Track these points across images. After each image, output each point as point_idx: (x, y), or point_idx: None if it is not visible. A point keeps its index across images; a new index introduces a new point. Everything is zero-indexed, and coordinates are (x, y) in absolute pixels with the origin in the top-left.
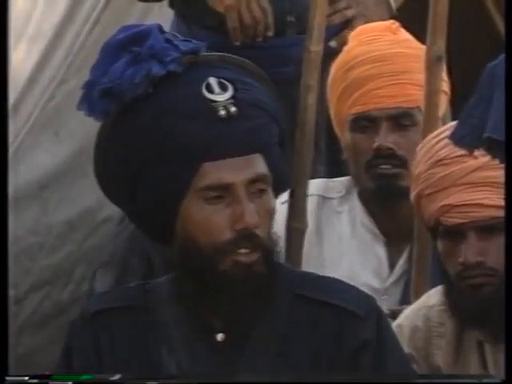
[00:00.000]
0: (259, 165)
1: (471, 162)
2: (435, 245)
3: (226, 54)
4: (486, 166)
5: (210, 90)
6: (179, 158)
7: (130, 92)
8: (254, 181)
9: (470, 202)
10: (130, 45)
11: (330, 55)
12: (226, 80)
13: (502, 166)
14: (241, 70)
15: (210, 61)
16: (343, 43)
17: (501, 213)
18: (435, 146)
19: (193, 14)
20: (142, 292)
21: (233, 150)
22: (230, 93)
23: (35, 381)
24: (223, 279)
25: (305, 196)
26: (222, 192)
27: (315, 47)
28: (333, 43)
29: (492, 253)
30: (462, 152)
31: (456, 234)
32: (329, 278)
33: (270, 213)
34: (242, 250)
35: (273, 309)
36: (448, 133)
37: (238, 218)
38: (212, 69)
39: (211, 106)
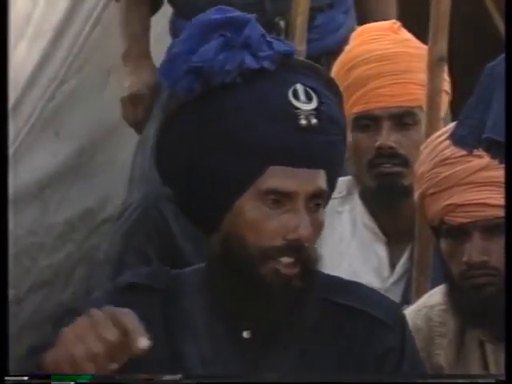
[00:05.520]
0: (322, 180)
1: (476, 162)
2: (438, 244)
3: (313, 63)
4: (490, 165)
5: (296, 96)
6: (248, 155)
7: (220, 78)
8: (315, 195)
9: (475, 202)
10: (223, 28)
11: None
12: (312, 90)
13: (503, 166)
14: (324, 82)
15: (299, 66)
16: None
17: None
18: (439, 145)
19: (193, 14)
20: (170, 278)
21: (304, 161)
22: (314, 104)
23: (35, 381)
24: (260, 283)
25: None
26: (283, 198)
27: (298, 46)
28: None
29: (496, 252)
30: None
31: (460, 233)
32: (355, 283)
33: (320, 228)
34: (286, 259)
35: (302, 312)
36: None
37: (293, 228)
38: (300, 75)
39: (294, 112)
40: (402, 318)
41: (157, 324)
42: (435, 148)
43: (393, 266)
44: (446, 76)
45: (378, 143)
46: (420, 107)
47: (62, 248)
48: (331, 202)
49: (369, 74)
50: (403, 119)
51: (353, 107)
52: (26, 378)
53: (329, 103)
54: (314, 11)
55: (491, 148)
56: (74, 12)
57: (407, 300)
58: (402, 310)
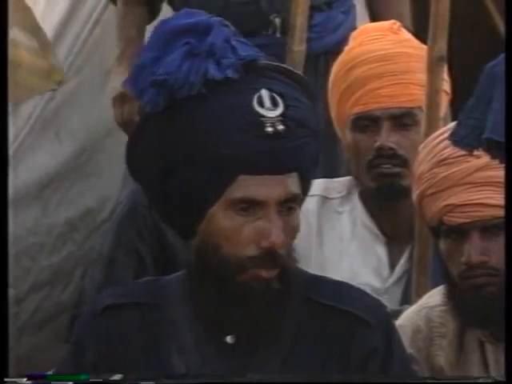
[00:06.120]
0: (293, 184)
1: (474, 162)
2: (437, 244)
3: (280, 64)
4: (489, 165)
5: (260, 103)
6: (217, 166)
7: (185, 90)
8: (287, 200)
9: (473, 202)
10: (186, 33)
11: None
12: (278, 94)
13: (503, 166)
14: (292, 83)
15: (266, 69)
16: None
17: (504, 212)
18: (438, 145)
19: None
20: (152, 289)
21: (272, 168)
22: (280, 110)
23: (32, 382)
24: (241, 290)
25: None
26: (254, 206)
27: (298, 47)
28: None
29: (495, 252)
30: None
31: (459, 233)
32: (341, 282)
33: (295, 230)
34: (265, 267)
35: (284, 314)
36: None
37: (265, 235)
38: (265, 79)
39: (259, 120)
40: (387, 319)
41: (141, 339)
42: (434, 148)
43: (392, 266)
44: (445, 76)
45: (377, 144)
46: (420, 108)
47: (62, 248)
48: (331, 202)
49: (369, 74)
50: (403, 120)
51: (352, 108)
52: (24, 380)
53: (297, 106)
54: (311, 10)
55: (491, 148)
56: (74, 12)
57: (407, 300)
58: (387, 311)
